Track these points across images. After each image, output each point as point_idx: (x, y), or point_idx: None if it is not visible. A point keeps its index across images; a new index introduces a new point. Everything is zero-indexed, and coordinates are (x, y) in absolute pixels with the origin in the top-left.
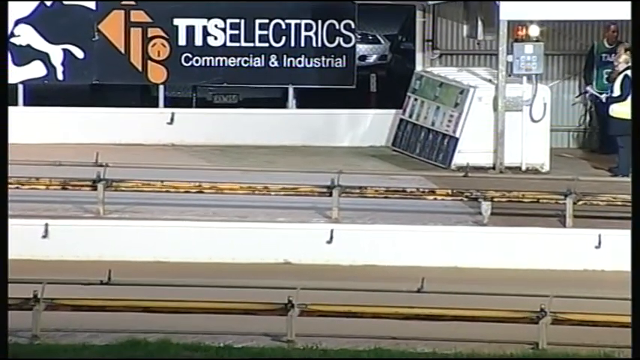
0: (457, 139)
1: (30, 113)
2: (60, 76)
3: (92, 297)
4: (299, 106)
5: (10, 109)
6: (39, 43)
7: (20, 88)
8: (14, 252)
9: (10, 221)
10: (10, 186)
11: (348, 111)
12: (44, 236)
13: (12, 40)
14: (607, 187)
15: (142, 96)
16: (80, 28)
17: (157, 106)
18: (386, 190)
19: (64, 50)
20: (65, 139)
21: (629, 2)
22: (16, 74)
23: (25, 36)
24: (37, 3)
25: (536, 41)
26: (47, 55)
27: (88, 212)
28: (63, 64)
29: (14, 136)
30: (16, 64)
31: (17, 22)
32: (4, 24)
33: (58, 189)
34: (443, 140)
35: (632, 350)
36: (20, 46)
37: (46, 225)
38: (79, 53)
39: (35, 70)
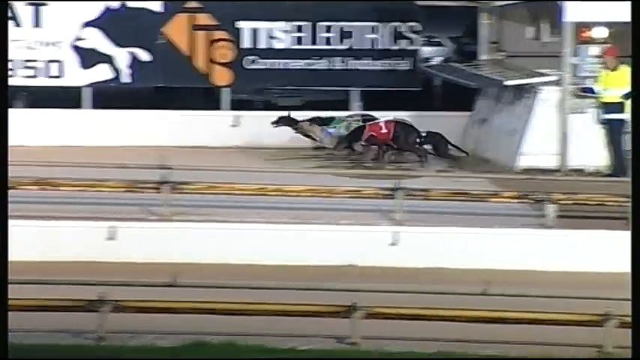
0: (522, 141)
1: (97, 116)
2: (126, 79)
3: (158, 299)
4: (363, 108)
5: (78, 111)
6: (105, 46)
7: (88, 91)
8: (80, 254)
9: (76, 223)
10: (75, 188)
11: (413, 113)
12: (110, 238)
13: (79, 43)
14: None
15: (206, 99)
16: (146, 31)
17: (221, 108)
18: (450, 193)
19: (130, 53)
20: (131, 141)
21: (629, 2)
22: (82, 77)
23: (92, 39)
24: (103, 6)
25: (602, 43)
26: (113, 58)
27: (153, 215)
28: (128, 67)
29: (81, 139)
30: (82, 67)
31: (85, 25)
32: (4, 24)
33: (123, 191)
34: (508, 142)
35: (632, 350)
36: (87, 49)
37: (113, 227)
38: (145, 56)
39: (101, 73)
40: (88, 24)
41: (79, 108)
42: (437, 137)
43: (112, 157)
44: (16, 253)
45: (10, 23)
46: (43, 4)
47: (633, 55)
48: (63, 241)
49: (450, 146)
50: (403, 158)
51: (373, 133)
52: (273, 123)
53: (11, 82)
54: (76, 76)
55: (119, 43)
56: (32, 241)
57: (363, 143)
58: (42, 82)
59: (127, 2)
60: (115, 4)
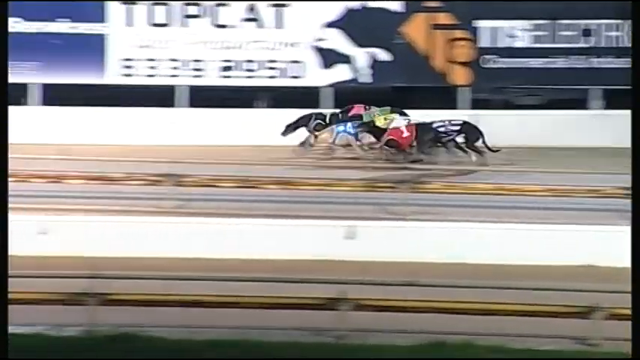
0: None
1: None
2: (364, 79)
3: (396, 298)
4: (604, 106)
5: (316, 111)
6: (345, 47)
7: (327, 90)
8: (319, 252)
9: (314, 222)
10: (315, 187)
11: None
12: (349, 237)
13: (319, 43)
14: None
15: (442, 98)
16: (385, 31)
17: (458, 107)
18: None
19: (369, 53)
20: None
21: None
22: (322, 77)
23: (332, 39)
24: (343, 7)
25: None
26: (353, 58)
27: (391, 214)
28: (367, 66)
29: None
30: (322, 67)
31: (325, 26)
32: (5, 24)
33: (362, 190)
34: None
35: (632, 349)
36: (327, 49)
37: (351, 226)
38: (384, 56)
39: (341, 73)
40: (328, 25)
41: (317, 108)
42: (471, 129)
43: (352, 155)
44: (257, 251)
45: (253, 24)
46: (285, 6)
47: (633, 55)
48: (303, 240)
49: (481, 141)
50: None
51: (394, 137)
52: (282, 134)
53: (253, 82)
54: (316, 76)
55: (358, 43)
56: (272, 239)
57: (384, 146)
58: (283, 82)
59: (367, 2)
60: (355, 5)
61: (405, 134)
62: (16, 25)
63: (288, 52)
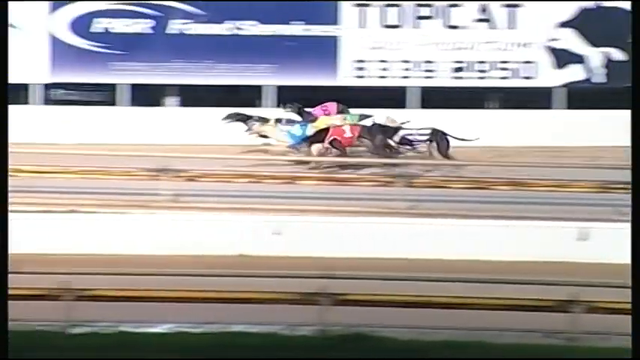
0: None
1: (565, 116)
2: (598, 79)
3: (627, 300)
4: None
5: (547, 112)
6: (579, 46)
7: (560, 91)
8: (549, 254)
9: (544, 223)
10: (546, 188)
11: None
12: (582, 239)
13: (552, 43)
14: None
15: None
16: (620, 31)
17: None
18: None
19: (604, 53)
20: (597, 141)
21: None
22: (556, 77)
23: (565, 39)
24: (577, 6)
25: None
26: (586, 57)
27: (624, 215)
28: (601, 66)
29: (550, 139)
30: (555, 67)
31: (559, 26)
32: (5, 24)
33: (595, 191)
34: None
35: (632, 349)
36: (560, 49)
37: (584, 228)
38: (618, 56)
39: (574, 72)
40: (561, 24)
41: (550, 108)
42: (439, 135)
43: (586, 157)
44: (484, 252)
45: (485, 25)
46: (518, 6)
47: (633, 55)
48: (532, 241)
49: (450, 144)
50: None
51: (337, 137)
52: (224, 120)
53: (485, 83)
54: (549, 76)
55: (593, 43)
56: (500, 241)
57: (326, 145)
58: (515, 83)
59: (602, 2)
60: (590, 4)
61: (348, 134)
62: (251, 27)
63: (521, 53)
